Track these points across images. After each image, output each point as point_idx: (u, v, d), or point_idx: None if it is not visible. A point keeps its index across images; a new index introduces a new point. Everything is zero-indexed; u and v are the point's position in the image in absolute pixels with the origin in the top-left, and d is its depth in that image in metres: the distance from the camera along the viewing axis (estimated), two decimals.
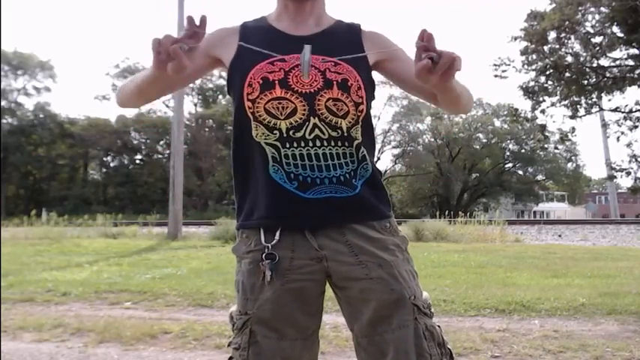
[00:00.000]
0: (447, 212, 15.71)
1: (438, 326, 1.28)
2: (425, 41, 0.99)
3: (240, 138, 1.28)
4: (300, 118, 1.21)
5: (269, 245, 1.23)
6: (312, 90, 1.21)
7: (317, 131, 1.22)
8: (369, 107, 1.28)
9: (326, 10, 1.37)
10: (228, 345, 1.31)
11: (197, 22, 1.06)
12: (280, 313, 1.24)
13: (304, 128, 1.21)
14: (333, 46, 1.26)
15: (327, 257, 1.24)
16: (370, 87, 1.29)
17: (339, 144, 1.23)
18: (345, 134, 1.23)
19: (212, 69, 1.37)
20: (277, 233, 1.24)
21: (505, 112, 34.62)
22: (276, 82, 1.21)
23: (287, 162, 1.22)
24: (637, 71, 10.34)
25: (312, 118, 1.21)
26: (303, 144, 1.21)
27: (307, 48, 1.05)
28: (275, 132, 1.22)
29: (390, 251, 1.27)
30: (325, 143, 1.22)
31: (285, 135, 1.21)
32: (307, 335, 1.29)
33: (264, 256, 1.23)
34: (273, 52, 1.20)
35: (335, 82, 1.22)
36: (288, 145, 1.21)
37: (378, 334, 1.23)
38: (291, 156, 1.22)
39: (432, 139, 39.01)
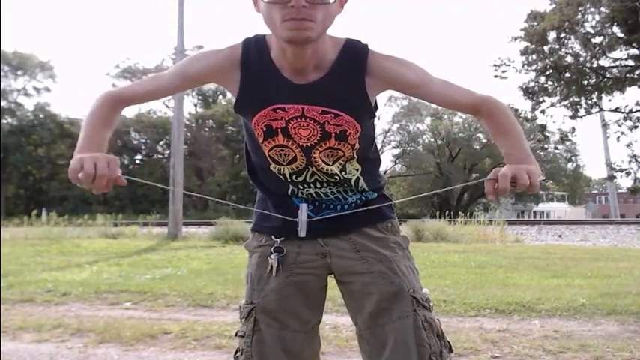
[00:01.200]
0: (447, 212, 15.67)
1: (437, 319, 1.34)
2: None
3: (257, 153, 1.34)
4: (300, 166, 1.29)
5: (278, 240, 1.34)
6: (309, 144, 1.26)
7: (315, 176, 1.30)
8: (363, 142, 1.30)
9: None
10: (236, 334, 1.40)
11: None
12: (283, 303, 1.33)
13: (304, 174, 1.30)
14: (334, 96, 1.21)
15: (331, 253, 1.34)
16: (371, 116, 1.32)
17: (338, 185, 1.32)
18: (340, 178, 1.31)
19: (196, 85, 1.38)
20: (287, 231, 1.33)
21: None
22: (279, 130, 1.25)
23: (300, 196, 1.33)
24: (637, 71, 10.33)
25: (309, 167, 1.29)
26: (306, 185, 1.31)
27: (303, 208, 1.16)
28: (281, 176, 1.31)
29: (391, 248, 1.35)
30: (325, 185, 1.31)
31: (289, 179, 1.31)
32: (308, 329, 1.37)
33: (272, 249, 1.34)
34: (275, 99, 1.22)
35: (333, 134, 1.25)
36: (295, 186, 1.32)
37: (379, 326, 1.30)
38: (299, 193, 1.33)
39: (432, 140, 38.99)
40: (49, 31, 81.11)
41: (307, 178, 1.30)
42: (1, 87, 34.10)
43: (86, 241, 10.50)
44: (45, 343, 3.22)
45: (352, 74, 1.22)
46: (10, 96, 36.29)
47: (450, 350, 1.33)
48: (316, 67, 1.21)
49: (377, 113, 1.34)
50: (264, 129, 1.24)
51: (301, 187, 1.31)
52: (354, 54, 1.24)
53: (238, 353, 1.37)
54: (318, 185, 1.31)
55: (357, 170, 1.33)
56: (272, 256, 1.32)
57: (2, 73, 34.94)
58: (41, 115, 36.09)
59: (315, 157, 1.27)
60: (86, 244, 9.80)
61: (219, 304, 4.22)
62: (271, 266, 1.32)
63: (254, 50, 1.24)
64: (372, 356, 1.31)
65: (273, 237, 1.35)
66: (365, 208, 1.34)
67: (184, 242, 10.75)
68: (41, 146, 36.09)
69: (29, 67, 36.57)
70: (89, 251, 8.72)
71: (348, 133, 1.25)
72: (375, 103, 1.31)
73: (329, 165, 1.28)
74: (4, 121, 34.41)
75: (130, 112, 36.56)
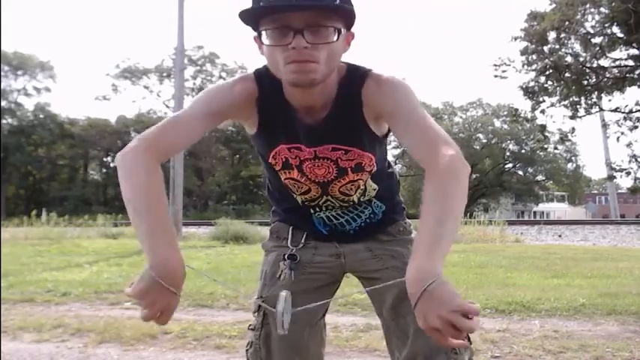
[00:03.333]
0: None
1: None
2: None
3: (275, 179, 1.37)
4: (315, 196, 1.33)
5: (293, 248, 1.38)
6: (326, 180, 1.29)
7: (328, 203, 1.34)
8: (379, 154, 1.32)
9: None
10: (248, 327, 1.44)
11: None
12: (293, 299, 1.30)
13: (317, 200, 1.34)
14: (340, 133, 1.22)
15: (345, 254, 1.39)
16: (381, 143, 1.31)
17: (350, 208, 1.36)
18: (356, 201, 1.35)
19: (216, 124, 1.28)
20: (303, 238, 1.39)
21: (505, 113, 34.60)
22: (294, 166, 1.27)
23: (314, 214, 1.38)
24: (637, 71, 10.34)
25: (324, 196, 1.33)
26: (318, 209, 1.36)
27: (282, 297, 1.02)
28: (294, 200, 1.36)
29: (403, 245, 1.40)
30: (337, 208, 1.35)
31: (301, 205, 1.36)
32: (314, 322, 1.41)
33: (286, 256, 1.37)
34: (291, 139, 1.24)
35: (349, 169, 1.28)
36: (309, 208, 1.37)
37: (401, 317, 1.33)
38: (314, 215, 1.38)
39: None
40: (49, 31, 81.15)
41: (320, 203, 1.35)
42: (1, 87, 34.12)
43: (86, 241, 10.49)
44: (45, 343, 3.22)
45: (350, 109, 1.20)
46: (10, 96, 36.31)
47: (469, 340, 1.28)
48: (324, 106, 1.20)
49: (387, 134, 1.32)
50: (283, 159, 1.28)
51: (313, 212, 1.37)
52: (351, 87, 1.20)
53: (248, 346, 1.40)
54: (331, 208, 1.35)
55: (375, 190, 1.36)
56: (285, 262, 1.36)
57: (2, 73, 34.98)
58: (41, 115, 36.12)
59: (332, 190, 1.31)
60: (86, 244, 9.79)
61: (219, 304, 4.22)
62: (282, 271, 1.36)
63: (268, 87, 1.21)
64: (399, 346, 1.34)
65: (289, 242, 1.39)
66: (375, 222, 1.40)
67: (184, 242, 10.75)
68: (41, 146, 36.11)
69: (29, 67, 36.57)
70: (89, 251, 8.71)
71: (363, 165, 1.28)
72: (383, 127, 1.27)
73: (349, 195, 1.33)
74: (4, 121, 34.43)
75: (130, 112, 36.52)
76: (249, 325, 1.42)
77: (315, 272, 1.38)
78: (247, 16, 1.08)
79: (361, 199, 1.35)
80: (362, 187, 1.33)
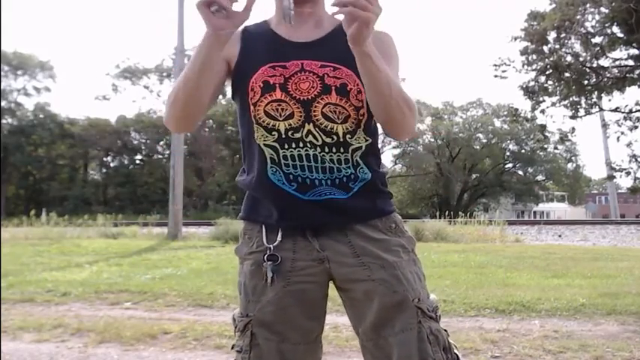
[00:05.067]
0: (447, 212, 15.68)
1: (445, 330, 1.25)
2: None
3: (245, 140, 1.31)
4: (297, 122, 1.22)
5: (271, 247, 1.24)
6: (309, 97, 1.21)
7: (310, 137, 1.22)
8: (370, 110, 1.23)
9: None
10: (232, 348, 1.30)
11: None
12: (282, 315, 1.23)
13: (301, 131, 1.22)
14: (333, 51, 1.23)
15: (329, 258, 1.24)
16: None
17: (334, 150, 1.23)
18: (341, 140, 1.23)
19: (227, 76, 1.30)
20: (279, 234, 1.25)
21: (505, 112, 34.57)
22: (277, 85, 1.22)
23: (285, 163, 1.23)
24: (637, 71, 10.34)
25: (307, 124, 1.22)
26: (301, 144, 1.22)
27: None
28: (274, 133, 1.23)
29: (394, 252, 1.25)
30: (319, 149, 1.22)
31: (283, 136, 1.22)
32: (310, 340, 1.28)
33: (265, 257, 1.23)
34: (273, 57, 1.23)
35: (333, 88, 1.22)
36: (286, 146, 1.23)
37: (382, 338, 1.22)
38: (289, 157, 1.23)
39: (432, 140, 38.98)
40: (49, 31, 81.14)
41: (303, 136, 1.22)
42: (1, 87, 34.11)
43: (86, 241, 10.49)
44: (45, 343, 3.22)
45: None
46: (10, 96, 36.30)
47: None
48: (316, 26, 1.27)
49: None
50: (262, 85, 1.23)
51: (294, 147, 1.22)
52: None
53: None
54: (312, 146, 1.22)
55: (366, 141, 1.26)
56: (265, 264, 1.23)
57: (2, 73, 34.97)
58: (41, 115, 36.08)
59: (315, 112, 1.22)
60: (86, 244, 9.79)
61: (219, 304, 4.22)
62: (266, 276, 1.23)
63: (253, 25, 1.31)
64: None
65: (265, 241, 1.26)
66: (350, 195, 1.25)
67: (184, 242, 10.75)
68: (41, 146, 36.07)
69: (29, 67, 36.56)
70: (89, 251, 8.71)
71: (348, 88, 1.22)
72: None
73: (335, 122, 1.22)
74: (4, 121, 34.40)
75: (130, 111, 36.52)
76: (234, 346, 1.28)
77: (301, 282, 1.24)
78: None
79: (348, 138, 1.23)
80: (352, 122, 1.23)
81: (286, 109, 1.22)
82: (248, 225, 1.33)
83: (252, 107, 1.24)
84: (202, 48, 1.11)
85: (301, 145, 1.22)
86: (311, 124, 1.22)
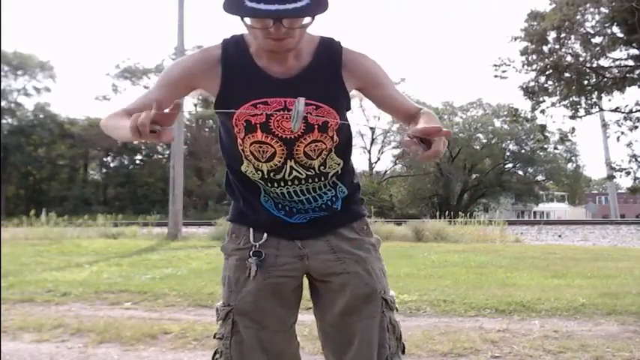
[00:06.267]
0: (447, 212, 15.66)
1: (398, 322, 1.41)
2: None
3: (232, 159, 1.35)
4: (279, 162, 1.29)
5: (257, 244, 1.36)
6: (292, 136, 1.27)
7: (295, 173, 1.31)
8: (340, 134, 1.33)
9: None
10: (214, 336, 1.40)
11: (169, 109, 1.06)
12: (260, 305, 1.35)
13: (283, 171, 1.31)
14: (315, 87, 1.26)
15: (308, 255, 1.37)
16: (347, 107, 1.35)
17: (315, 180, 1.33)
18: (317, 172, 1.33)
19: (187, 93, 1.37)
20: (265, 234, 1.37)
21: (505, 113, 34.56)
22: (258, 125, 1.26)
23: (274, 196, 1.35)
24: (637, 71, 10.33)
25: (288, 161, 1.29)
26: (283, 184, 1.32)
27: (301, 102, 1.10)
28: (259, 172, 1.32)
29: (366, 249, 1.40)
30: (303, 182, 1.32)
31: (266, 176, 1.31)
32: (287, 328, 1.40)
33: (251, 253, 1.35)
34: (256, 94, 1.25)
35: (316, 126, 1.28)
36: (270, 185, 1.33)
37: (347, 324, 1.35)
38: (274, 193, 1.34)
39: None
40: (49, 31, 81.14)
41: (286, 176, 1.31)
42: (1, 87, 34.10)
43: (86, 241, 10.49)
44: (45, 343, 3.22)
45: (330, 68, 1.29)
46: (10, 96, 36.27)
47: (403, 352, 1.41)
48: (296, 58, 1.27)
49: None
50: (244, 124, 1.27)
51: (277, 186, 1.32)
52: (331, 49, 1.31)
53: (217, 355, 1.38)
54: (296, 182, 1.32)
55: (338, 165, 1.36)
56: (250, 259, 1.33)
57: (2, 73, 34.95)
58: (41, 115, 36.07)
59: (297, 151, 1.28)
60: (86, 244, 9.79)
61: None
62: (250, 270, 1.33)
63: (233, 49, 1.29)
64: (337, 353, 1.38)
65: (251, 240, 1.36)
66: (335, 212, 1.39)
67: (184, 242, 10.75)
68: (41, 146, 36.07)
69: (29, 67, 36.54)
70: (89, 251, 8.71)
71: (329, 125, 1.28)
72: (349, 99, 1.36)
73: (312, 159, 1.30)
74: (4, 121, 34.40)
75: None
76: (216, 334, 1.39)
77: (280, 276, 1.35)
78: (231, 11, 1.12)
79: (322, 169, 1.32)
80: (325, 153, 1.31)
81: (267, 151, 1.29)
82: (236, 226, 1.42)
83: (239, 140, 1.30)
84: (124, 137, 1.16)
85: (283, 184, 1.32)
86: (292, 160, 1.30)
